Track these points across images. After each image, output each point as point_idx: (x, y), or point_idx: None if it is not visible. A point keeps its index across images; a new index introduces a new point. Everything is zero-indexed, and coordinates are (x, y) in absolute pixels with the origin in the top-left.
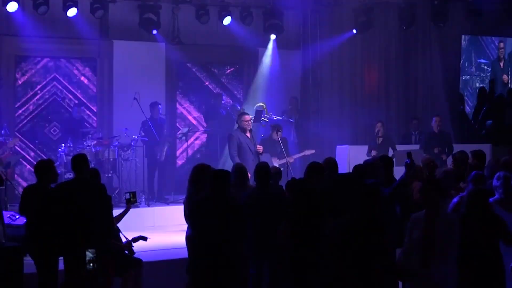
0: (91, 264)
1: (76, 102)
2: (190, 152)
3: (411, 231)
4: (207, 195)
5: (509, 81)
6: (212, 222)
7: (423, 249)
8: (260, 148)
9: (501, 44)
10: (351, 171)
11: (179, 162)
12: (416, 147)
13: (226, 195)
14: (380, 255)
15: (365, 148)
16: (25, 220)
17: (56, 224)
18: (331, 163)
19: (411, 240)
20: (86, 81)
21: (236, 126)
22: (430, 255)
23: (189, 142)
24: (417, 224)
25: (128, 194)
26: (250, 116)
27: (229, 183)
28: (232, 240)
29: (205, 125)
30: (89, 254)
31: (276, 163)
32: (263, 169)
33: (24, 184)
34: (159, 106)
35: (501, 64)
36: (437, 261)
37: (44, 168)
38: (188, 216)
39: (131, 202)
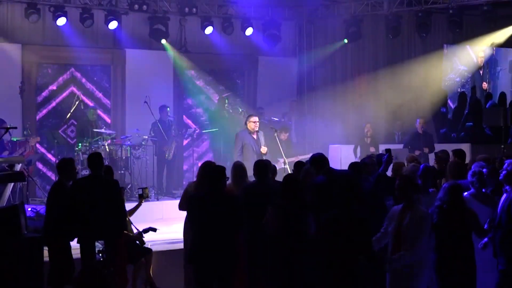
0: (100, 255)
1: (91, 105)
2: (198, 151)
3: (388, 223)
4: (205, 191)
5: (487, 87)
6: (210, 216)
7: (393, 239)
8: (264, 149)
9: (481, 53)
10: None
11: (186, 160)
12: (399, 146)
13: (222, 189)
14: (362, 246)
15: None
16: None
17: (73, 217)
18: None
19: (386, 231)
20: (101, 85)
21: (244, 127)
22: (398, 244)
23: (197, 142)
24: (393, 218)
25: (141, 189)
26: (257, 119)
27: (225, 178)
28: (229, 231)
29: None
30: (98, 245)
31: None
32: (261, 164)
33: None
34: (167, 108)
35: (481, 72)
36: (405, 250)
37: (66, 166)
38: (187, 212)
39: (143, 197)
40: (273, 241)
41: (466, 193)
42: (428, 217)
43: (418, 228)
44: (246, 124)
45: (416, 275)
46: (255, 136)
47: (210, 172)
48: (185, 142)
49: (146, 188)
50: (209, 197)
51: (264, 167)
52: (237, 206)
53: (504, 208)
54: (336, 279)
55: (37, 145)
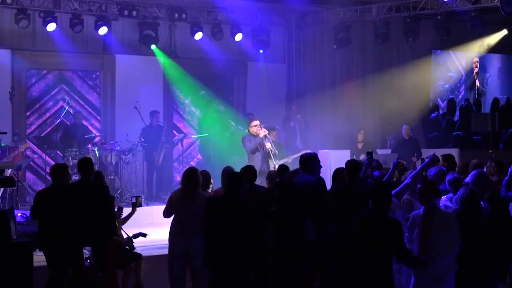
0: (88, 261)
1: (79, 110)
2: (187, 156)
3: (411, 228)
4: (221, 195)
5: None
6: (224, 219)
7: (421, 244)
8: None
9: (475, 59)
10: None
11: (176, 165)
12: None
13: (237, 194)
14: (395, 246)
15: (345, 152)
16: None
17: (64, 222)
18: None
19: (410, 237)
20: (91, 91)
21: (247, 132)
22: (427, 246)
23: (185, 147)
24: (415, 224)
25: (134, 198)
26: (258, 122)
27: (241, 183)
28: (244, 234)
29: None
30: (86, 252)
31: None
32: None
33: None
34: (158, 114)
35: (475, 77)
36: (435, 254)
37: (60, 171)
38: (204, 214)
39: (136, 205)
40: (275, 250)
41: (445, 197)
42: (453, 218)
43: (451, 230)
44: (248, 130)
45: (443, 279)
46: (261, 137)
47: (225, 177)
48: (174, 147)
49: (140, 196)
50: (223, 201)
51: (253, 173)
52: (248, 210)
53: None
54: (368, 280)
55: (27, 151)
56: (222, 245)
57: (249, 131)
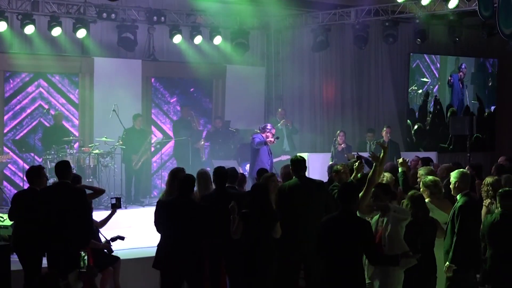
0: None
1: (53, 112)
2: (165, 159)
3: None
4: (173, 197)
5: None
6: (176, 221)
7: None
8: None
9: (463, 65)
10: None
11: (154, 167)
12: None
13: (190, 197)
14: (364, 248)
15: (323, 155)
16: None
17: (40, 225)
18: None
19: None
20: (69, 94)
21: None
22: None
23: (163, 150)
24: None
25: (114, 199)
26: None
27: (193, 186)
28: (192, 236)
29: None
30: (82, 253)
31: None
32: (219, 172)
33: (10, 188)
34: (139, 117)
35: (460, 84)
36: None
37: (35, 173)
38: (157, 217)
39: (116, 207)
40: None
41: None
42: (401, 222)
43: (394, 231)
44: (262, 133)
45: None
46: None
47: (181, 179)
48: (153, 150)
49: (120, 197)
50: (177, 203)
51: (223, 174)
52: (200, 213)
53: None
54: (338, 281)
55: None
56: (171, 246)
57: (260, 131)
